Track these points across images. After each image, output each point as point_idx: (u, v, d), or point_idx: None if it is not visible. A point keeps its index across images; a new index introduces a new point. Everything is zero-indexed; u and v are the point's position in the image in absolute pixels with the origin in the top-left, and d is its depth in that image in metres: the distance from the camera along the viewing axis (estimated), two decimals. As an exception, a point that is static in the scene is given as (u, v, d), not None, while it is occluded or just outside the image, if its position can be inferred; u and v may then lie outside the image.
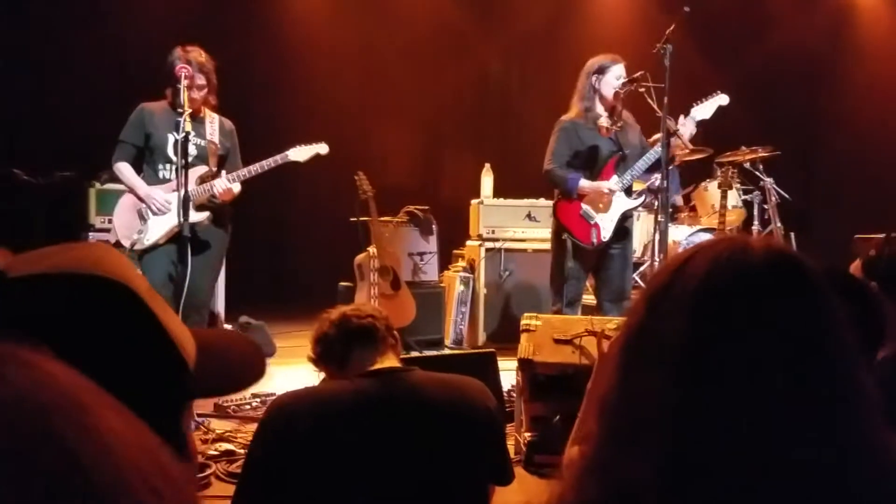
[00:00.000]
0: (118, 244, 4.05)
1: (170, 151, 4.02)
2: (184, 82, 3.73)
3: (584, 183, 4.54)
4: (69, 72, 6.81)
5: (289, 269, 7.97)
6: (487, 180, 6.45)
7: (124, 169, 4.07)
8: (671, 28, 4.36)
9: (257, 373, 0.78)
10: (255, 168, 4.06)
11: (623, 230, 4.66)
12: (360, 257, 5.54)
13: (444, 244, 6.35)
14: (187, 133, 3.66)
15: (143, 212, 4.06)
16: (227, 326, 5.68)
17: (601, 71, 4.55)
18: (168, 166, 4.06)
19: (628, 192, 4.64)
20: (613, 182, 4.57)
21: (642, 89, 4.46)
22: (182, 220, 3.69)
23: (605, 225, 4.56)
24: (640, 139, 4.71)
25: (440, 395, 1.90)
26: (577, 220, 4.56)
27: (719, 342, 0.79)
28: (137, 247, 3.99)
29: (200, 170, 4.06)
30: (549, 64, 7.78)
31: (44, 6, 6.87)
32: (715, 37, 7.83)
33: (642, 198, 4.74)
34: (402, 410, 1.85)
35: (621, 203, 4.59)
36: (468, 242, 6.37)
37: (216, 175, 4.07)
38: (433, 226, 6.20)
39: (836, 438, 0.77)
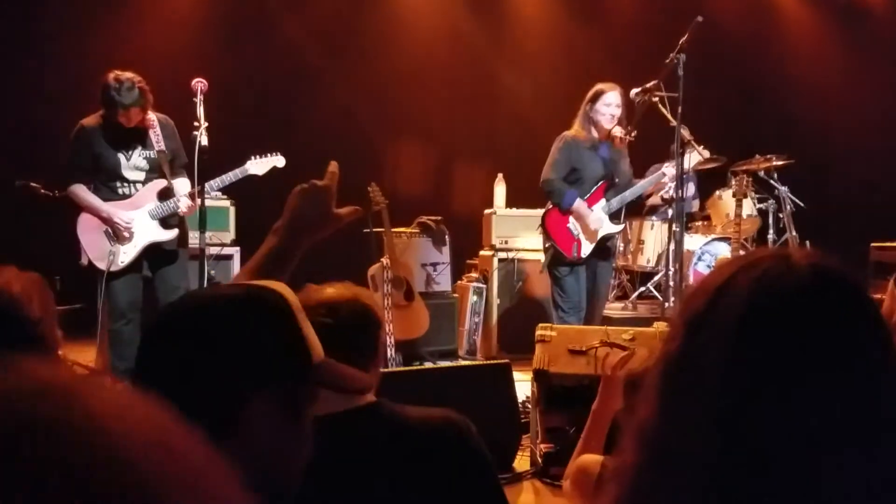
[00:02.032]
0: (90, 265, 4.06)
1: (124, 171, 4.07)
2: (199, 97, 3.76)
3: (580, 206, 4.68)
4: (86, 84, 6.86)
5: (302, 281, 7.97)
6: (500, 190, 6.45)
7: (80, 192, 4.08)
8: (684, 38, 4.36)
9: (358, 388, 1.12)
10: (216, 183, 4.03)
11: (607, 249, 4.86)
12: (373, 268, 5.55)
13: (457, 255, 6.35)
14: (203, 146, 3.69)
15: (109, 232, 4.07)
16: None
17: (594, 99, 4.67)
18: (127, 185, 4.10)
19: (613, 216, 4.80)
20: (601, 212, 4.72)
21: (656, 98, 4.46)
22: (200, 232, 3.71)
23: (586, 243, 4.74)
24: (629, 169, 4.87)
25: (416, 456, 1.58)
26: (563, 232, 4.73)
27: (766, 369, 0.76)
28: (112, 268, 4.00)
29: (160, 184, 4.10)
30: (562, 73, 7.78)
31: (58, 17, 6.93)
32: (727, 45, 7.82)
33: (621, 226, 4.94)
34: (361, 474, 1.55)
35: (604, 227, 4.75)
36: (481, 252, 6.36)
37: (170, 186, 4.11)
38: (446, 236, 6.20)
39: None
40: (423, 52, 7.94)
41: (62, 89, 6.76)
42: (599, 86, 4.68)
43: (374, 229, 5.61)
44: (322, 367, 0.99)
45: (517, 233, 6.21)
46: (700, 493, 0.75)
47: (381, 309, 1.81)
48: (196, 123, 3.75)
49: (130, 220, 4.03)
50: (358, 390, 1.04)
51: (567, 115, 4.93)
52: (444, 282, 6.15)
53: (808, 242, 6.30)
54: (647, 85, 4.50)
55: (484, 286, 6.13)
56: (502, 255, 6.14)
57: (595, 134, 4.69)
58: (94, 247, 4.05)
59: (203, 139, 3.69)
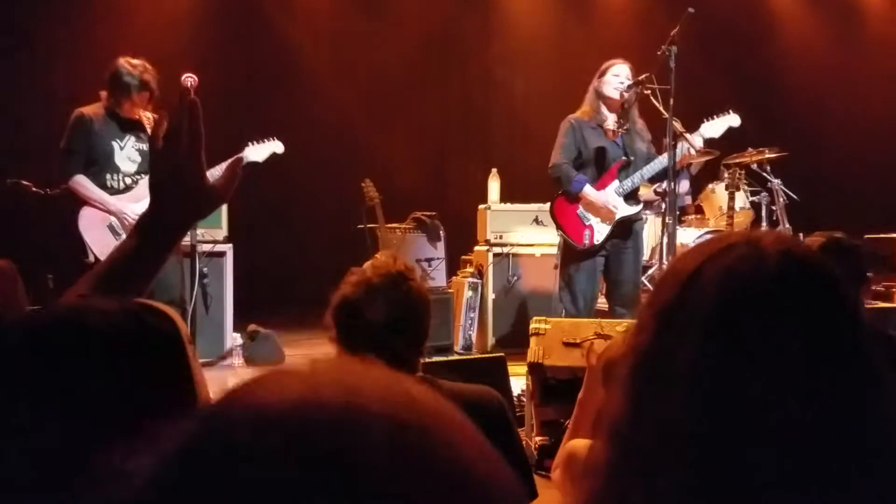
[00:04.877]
0: (97, 260, 4.03)
1: (118, 161, 3.95)
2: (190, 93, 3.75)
3: (589, 191, 4.49)
4: (79, 81, 6.84)
5: (296, 277, 7.98)
6: (494, 185, 6.45)
7: (85, 183, 3.95)
8: (676, 30, 4.36)
9: None
10: (216, 171, 3.99)
11: (629, 232, 4.60)
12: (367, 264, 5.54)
13: (451, 250, 6.35)
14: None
15: (114, 226, 3.99)
16: (236, 335, 5.68)
17: (602, 73, 4.58)
18: (118, 176, 3.99)
19: (629, 197, 4.58)
20: (613, 194, 4.52)
21: (647, 91, 4.45)
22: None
23: (599, 228, 4.52)
24: (649, 148, 4.67)
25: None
26: (572, 219, 4.53)
27: (741, 362, 0.74)
28: None
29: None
30: (554, 68, 7.78)
31: (51, 14, 6.90)
32: (720, 38, 7.83)
33: (640, 206, 4.66)
34: None
35: (620, 210, 4.52)
36: (476, 248, 6.36)
37: None
38: (441, 232, 6.20)
39: (881, 456, 0.73)
40: (416, 47, 7.93)
41: (55, 86, 6.74)
42: (609, 61, 4.59)
43: (368, 225, 5.61)
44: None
45: (511, 227, 6.21)
46: (673, 489, 0.73)
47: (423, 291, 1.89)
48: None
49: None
50: None
51: (559, 109, 4.92)
52: (439, 277, 6.15)
53: (801, 235, 6.32)
54: (639, 77, 4.49)
55: (479, 281, 6.13)
56: (497, 249, 6.14)
57: (604, 111, 4.55)
58: (99, 242, 3.97)
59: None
